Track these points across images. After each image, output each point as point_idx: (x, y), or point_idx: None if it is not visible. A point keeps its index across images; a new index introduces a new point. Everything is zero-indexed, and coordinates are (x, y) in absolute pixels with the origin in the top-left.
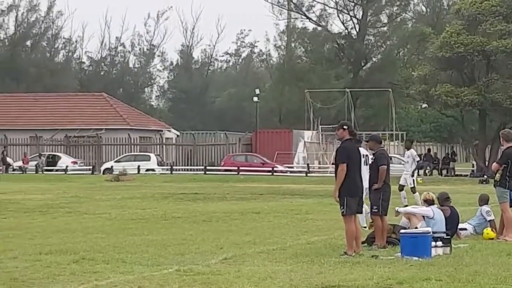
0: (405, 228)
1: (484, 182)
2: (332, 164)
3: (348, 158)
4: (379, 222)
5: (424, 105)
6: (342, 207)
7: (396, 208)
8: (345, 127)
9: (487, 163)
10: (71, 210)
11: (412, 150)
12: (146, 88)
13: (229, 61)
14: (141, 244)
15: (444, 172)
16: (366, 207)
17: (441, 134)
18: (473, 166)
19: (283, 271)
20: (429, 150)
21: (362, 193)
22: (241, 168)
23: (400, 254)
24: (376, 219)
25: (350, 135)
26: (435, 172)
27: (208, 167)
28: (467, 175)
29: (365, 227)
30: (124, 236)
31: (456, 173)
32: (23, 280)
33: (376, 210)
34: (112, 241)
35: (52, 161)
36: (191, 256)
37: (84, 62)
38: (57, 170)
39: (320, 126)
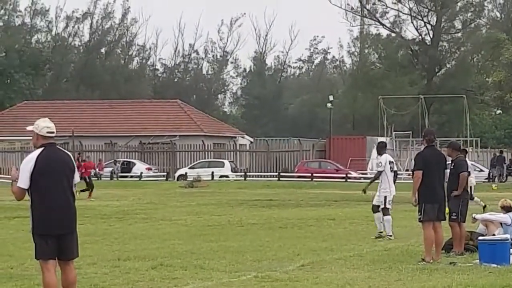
0: (482, 235)
1: None
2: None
3: (424, 165)
4: (457, 229)
5: (499, 111)
6: (419, 213)
7: (473, 215)
8: (423, 134)
9: None
10: (147, 216)
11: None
12: (219, 95)
13: (302, 67)
14: (218, 251)
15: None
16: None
17: None
18: None
19: (361, 277)
20: (501, 152)
21: (443, 200)
22: (314, 174)
23: (478, 261)
24: (454, 226)
25: (427, 142)
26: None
27: (282, 174)
28: None
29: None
30: (201, 243)
31: None
32: (103, 286)
33: (455, 217)
34: (189, 247)
35: (127, 167)
36: (269, 263)
37: (158, 69)
38: (131, 177)
39: (393, 133)
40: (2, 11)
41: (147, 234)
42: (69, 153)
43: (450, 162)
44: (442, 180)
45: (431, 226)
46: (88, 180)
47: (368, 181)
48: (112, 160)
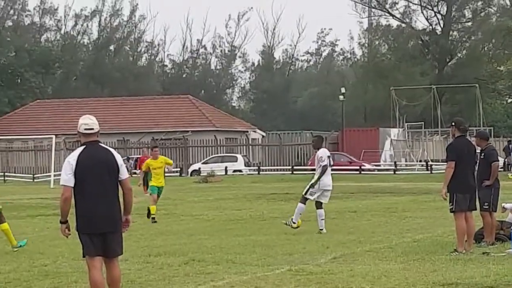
0: None
1: None
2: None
3: (456, 155)
4: (488, 219)
5: (510, 100)
6: (451, 203)
7: (503, 204)
8: (453, 123)
9: None
10: (168, 212)
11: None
12: (228, 90)
13: (310, 60)
14: (246, 245)
15: None
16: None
17: None
18: None
19: (396, 269)
20: (509, 141)
21: (474, 190)
22: None
23: (511, 250)
24: (485, 216)
25: (460, 131)
26: None
27: (295, 167)
28: None
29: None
30: (228, 237)
31: None
32: (140, 282)
33: (487, 207)
34: (217, 242)
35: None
36: (300, 256)
37: (166, 65)
38: None
39: (406, 124)
40: (11, 11)
41: (172, 230)
42: (112, 150)
43: (479, 151)
44: (474, 170)
45: (463, 216)
46: None
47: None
48: (125, 157)
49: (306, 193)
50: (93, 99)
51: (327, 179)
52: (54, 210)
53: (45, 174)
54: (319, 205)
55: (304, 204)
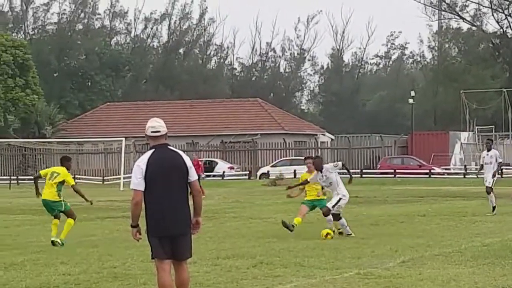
0: None
1: None
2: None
3: None
4: None
5: None
6: None
7: None
8: None
9: None
10: (236, 215)
11: (495, 150)
12: (296, 93)
13: (379, 63)
14: (315, 248)
15: None
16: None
17: None
18: None
19: (465, 273)
20: None
21: None
22: (397, 170)
23: None
24: None
25: None
26: None
27: (364, 170)
28: None
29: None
30: (296, 240)
31: None
32: (208, 285)
33: None
34: (285, 245)
35: (209, 167)
36: (368, 259)
37: (235, 68)
38: (214, 176)
39: (476, 127)
40: (82, 14)
41: (240, 232)
42: (181, 152)
43: None
44: None
45: None
46: None
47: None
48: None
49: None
50: (163, 102)
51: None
52: (124, 213)
53: (114, 177)
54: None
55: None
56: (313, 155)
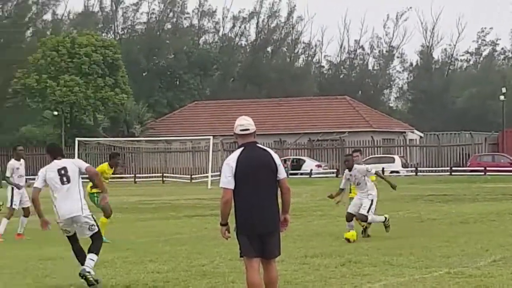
0: None
1: None
2: None
3: None
4: None
5: None
6: None
7: None
8: None
9: None
10: (323, 213)
11: None
12: (385, 90)
13: (470, 60)
14: (404, 247)
15: None
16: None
17: None
18: None
19: None
20: None
21: None
22: (488, 168)
23: None
24: None
25: None
26: None
27: (453, 168)
28: None
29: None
30: (384, 239)
31: None
32: (296, 283)
33: None
34: (374, 243)
35: (297, 165)
36: (458, 258)
37: (323, 66)
38: (301, 174)
39: None
40: (171, 13)
41: (328, 230)
42: (270, 150)
43: None
44: None
45: None
46: None
47: None
48: (282, 158)
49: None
50: (250, 100)
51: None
52: (212, 211)
53: (202, 175)
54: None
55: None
56: (351, 152)
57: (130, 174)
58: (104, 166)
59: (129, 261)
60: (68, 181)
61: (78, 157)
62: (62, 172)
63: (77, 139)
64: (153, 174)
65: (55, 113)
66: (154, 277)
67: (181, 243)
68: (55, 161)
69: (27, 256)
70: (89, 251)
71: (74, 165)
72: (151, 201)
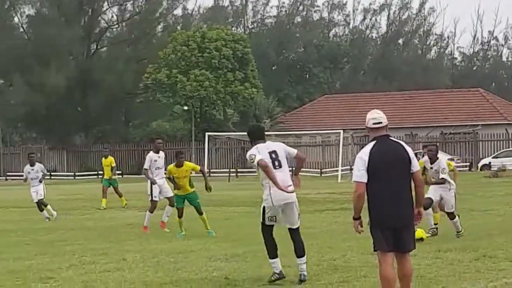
0: None
1: None
2: None
3: None
4: None
5: None
6: None
7: None
8: None
9: None
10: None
11: None
12: None
13: None
14: None
15: None
16: None
17: None
18: None
19: None
20: None
21: None
22: None
23: None
24: None
25: None
26: None
27: None
28: None
29: None
30: None
31: None
32: (430, 278)
33: None
34: (509, 238)
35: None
36: None
37: (456, 58)
38: None
39: None
40: (301, 7)
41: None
42: (403, 143)
43: None
44: None
45: None
46: None
47: None
48: (414, 152)
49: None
50: (381, 93)
51: None
52: (342, 205)
53: (332, 169)
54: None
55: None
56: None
57: None
58: (170, 167)
59: (260, 255)
60: (280, 166)
61: (208, 152)
62: (273, 156)
63: (207, 133)
64: None
65: (185, 107)
66: (285, 271)
67: (311, 237)
68: (259, 144)
69: (158, 250)
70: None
71: (283, 150)
72: None
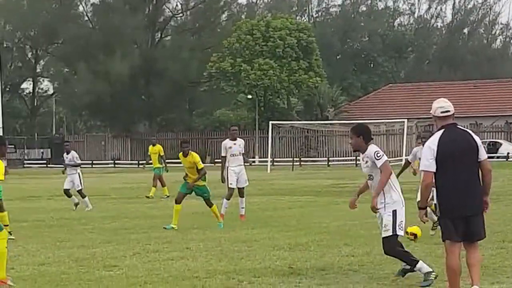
0: None
1: None
2: None
3: None
4: None
5: None
6: None
7: None
8: None
9: None
10: None
11: None
12: None
13: None
14: None
15: None
16: None
17: None
18: None
19: None
20: None
21: None
22: None
23: None
24: None
25: None
26: None
27: None
28: None
29: None
30: None
31: None
32: (494, 268)
33: None
34: None
35: (493, 148)
36: None
37: None
38: (498, 157)
39: None
40: None
41: None
42: (470, 131)
43: None
44: None
45: None
46: None
47: None
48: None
49: None
50: (445, 82)
51: None
52: (405, 195)
53: (396, 158)
54: None
55: None
56: None
57: (323, 157)
58: (179, 155)
59: (323, 245)
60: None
61: (272, 141)
62: None
63: (271, 122)
64: (347, 158)
65: (249, 96)
66: (349, 261)
67: (376, 227)
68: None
69: (221, 239)
70: None
71: None
72: (345, 185)
